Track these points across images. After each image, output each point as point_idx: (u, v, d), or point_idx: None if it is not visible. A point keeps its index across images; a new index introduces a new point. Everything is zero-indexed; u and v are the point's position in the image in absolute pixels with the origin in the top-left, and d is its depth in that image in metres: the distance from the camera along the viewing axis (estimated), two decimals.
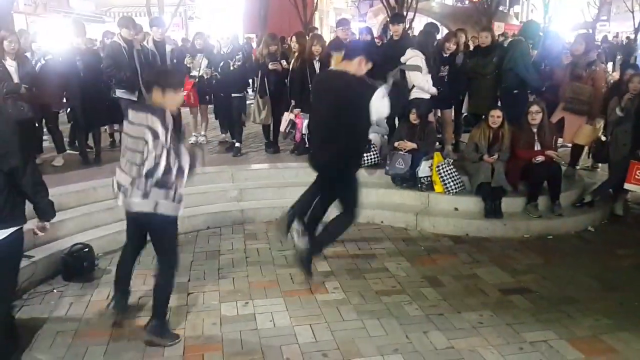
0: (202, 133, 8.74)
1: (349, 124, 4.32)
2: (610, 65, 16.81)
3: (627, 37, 24.37)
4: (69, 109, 7.79)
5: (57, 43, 7.78)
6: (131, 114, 3.60)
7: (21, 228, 3.40)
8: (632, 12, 26.01)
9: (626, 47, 20.84)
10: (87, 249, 5.02)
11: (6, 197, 3.25)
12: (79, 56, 7.08)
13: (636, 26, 25.25)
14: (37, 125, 7.03)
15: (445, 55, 7.24)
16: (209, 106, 8.75)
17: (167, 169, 3.52)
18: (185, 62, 8.31)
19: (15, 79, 6.19)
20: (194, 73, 8.28)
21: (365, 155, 6.55)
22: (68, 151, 7.58)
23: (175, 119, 6.67)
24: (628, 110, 6.22)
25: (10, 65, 6.21)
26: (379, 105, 4.24)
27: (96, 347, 3.85)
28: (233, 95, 7.74)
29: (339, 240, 5.74)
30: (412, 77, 6.51)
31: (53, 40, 8.21)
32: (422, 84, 6.54)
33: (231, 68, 7.59)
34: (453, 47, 7.24)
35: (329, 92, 4.49)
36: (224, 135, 8.76)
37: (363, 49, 4.74)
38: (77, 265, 4.92)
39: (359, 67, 4.41)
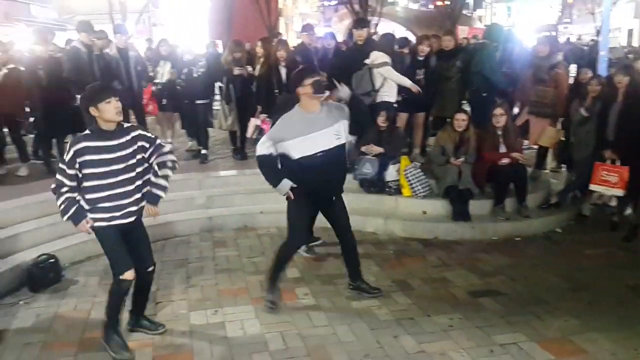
0: (169, 140, 8.64)
1: None
2: (574, 67, 17.18)
3: (592, 40, 24.97)
4: (32, 119, 7.62)
5: (19, 52, 7.59)
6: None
7: None
8: (593, 14, 26.75)
9: (593, 49, 21.26)
10: (53, 260, 4.93)
11: None
12: (40, 65, 6.91)
13: (597, 28, 25.97)
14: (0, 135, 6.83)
15: (420, 58, 7.28)
16: (174, 113, 8.66)
17: None
18: (149, 72, 8.22)
19: None
20: (158, 80, 8.18)
21: None
22: (32, 161, 7.40)
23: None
24: (591, 110, 6.34)
25: None
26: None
27: (64, 359, 3.78)
28: (198, 102, 7.69)
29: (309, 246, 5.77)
30: (386, 72, 6.53)
31: (14, 50, 7.99)
32: (397, 78, 6.56)
33: (195, 75, 7.53)
34: (426, 49, 7.27)
35: None
36: (190, 143, 8.67)
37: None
38: (43, 276, 4.84)
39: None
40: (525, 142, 7.35)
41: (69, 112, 7.07)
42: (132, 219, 3.77)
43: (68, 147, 3.57)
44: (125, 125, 3.75)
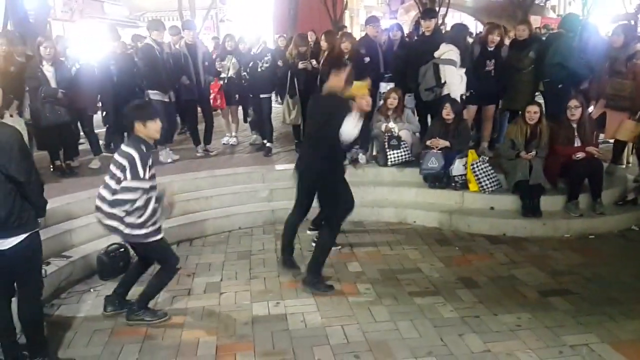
0: (234, 134, 8.79)
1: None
2: None
3: None
4: (104, 113, 7.94)
5: (91, 48, 7.92)
6: None
7: (33, 233, 3.40)
8: None
9: None
10: (122, 249, 5.06)
11: (12, 204, 3.24)
12: (113, 60, 7.23)
13: None
14: (74, 128, 7.15)
15: (490, 49, 7.02)
16: (239, 107, 8.80)
17: None
18: (216, 66, 8.38)
19: (53, 84, 6.35)
20: (224, 75, 8.33)
21: (392, 152, 6.62)
22: (104, 154, 7.71)
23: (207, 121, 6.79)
24: None
25: (48, 70, 6.38)
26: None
27: (131, 346, 3.89)
28: (262, 95, 7.76)
29: (370, 242, 5.71)
30: (446, 71, 6.39)
31: (87, 46, 8.34)
32: (453, 80, 6.40)
33: (259, 69, 7.60)
34: (497, 39, 6.97)
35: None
36: (254, 136, 8.78)
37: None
38: (114, 265, 5.00)
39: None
40: (602, 136, 6.98)
41: None
42: None
43: (142, 164, 3.77)
44: None
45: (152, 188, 3.90)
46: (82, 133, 7.63)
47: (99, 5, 25.17)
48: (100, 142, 7.80)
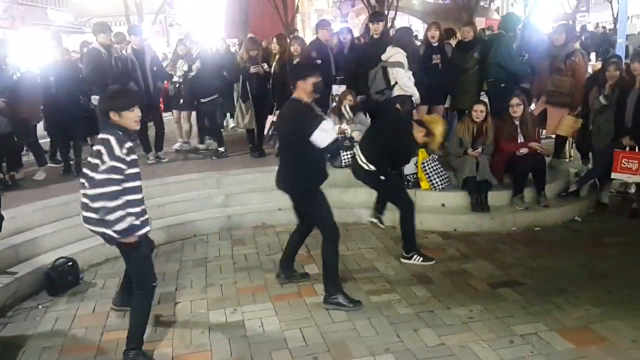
0: (186, 140, 8.70)
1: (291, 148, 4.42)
2: (593, 55, 16.89)
3: (603, 27, 24.52)
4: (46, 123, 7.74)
5: (33, 56, 7.69)
6: None
7: None
8: (610, 2, 26.18)
9: (604, 38, 20.95)
10: (70, 263, 4.96)
11: None
12: (53, 69, 6.99)
13: (615, 16, 25.46)
14: (16, 139, 6.91)
15: (434, 44, 7.18)
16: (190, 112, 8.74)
17: None
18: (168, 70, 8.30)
19: None
20: (175, 79, 8.24)
21: (346, 152, 6.63)
22: (49, 165, 7.50)
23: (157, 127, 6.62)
24: (610, 98, 6.24)
25: None
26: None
27: None
28: (202, 100, 7.85)
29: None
30: (396, 74, 6.49)
31: (29, 54, 8.10)
32: (405, 82, 6.51)
33: (192, 73, 7.81)
34: (436, 33, 7.13)
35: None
36: (209, 141, 8.71)
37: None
38: (62, 280, 4.87)
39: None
40: (543, 131, 7.23)
41: (85, 115, 7.21)
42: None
43: (119, 143, 3.42)
44: None
45: (134, 176, 3.53)
46: (25, 144, 7.40)
47: (42, 12, 24.47)
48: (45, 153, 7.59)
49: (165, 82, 8.37)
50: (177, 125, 8.78)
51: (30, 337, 4.17)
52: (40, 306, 4.66)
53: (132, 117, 3.53)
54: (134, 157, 3.50)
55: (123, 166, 3.43)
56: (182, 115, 8.68)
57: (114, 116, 3.50)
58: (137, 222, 3.54)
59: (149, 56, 7.65)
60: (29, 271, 4.91)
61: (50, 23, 22.92)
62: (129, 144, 3.47)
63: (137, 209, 3.54)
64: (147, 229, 3.65)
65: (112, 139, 3.43)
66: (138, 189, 3.57)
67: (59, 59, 7.12)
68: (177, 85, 8.28)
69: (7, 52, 7.37)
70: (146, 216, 3.65)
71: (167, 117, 8.68)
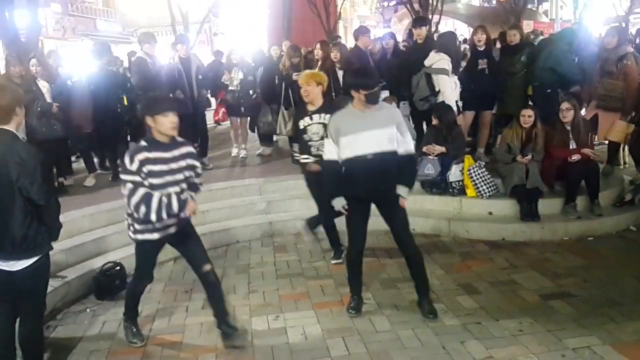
0: (243, 146, 8.68)
1: None
2: None
3: None
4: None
5: (83, 66, 7.92)
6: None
7: (44, 255, 3.38)
8: None
9: None
10: (118, 267, 5.04)
11: (29, 225, 3.22)
12: (94, 79, 7.14)
13: None
14: (68, 145, 7.13)
15: (480, 48, 7.05)
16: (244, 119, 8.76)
17: None
18: (222, 79, 8.34)
19: (48, 99, 6.35)
20: (232, 88, 8.26)
21: None
22: (99, 171, 7.69)
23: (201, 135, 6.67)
24: None
25: (43, 86, 6.39)
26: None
27: None
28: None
29: (369, 249, 5.67)
30: (439, 80, 6.39)
31: (79, 63, 8.35)
32: (447, 90, 6.40)
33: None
34: (482, 36, 7.01)
35: None
36: (262, 147, 8.74)
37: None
38: (109, 284, 4.96)
39: None
40: (596, 137, 6.98)
41: (121, 122, 7.37)
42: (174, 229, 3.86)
43: (130, 156, 3.57)
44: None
45: (152, 185, 3.58)
46: (77, 150, 7.62)
47: (91, 23, 25.29)
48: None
49: (221, 91, 8.40)
50: (236, 133, 8.72)
51: (79, 340, 4.25)
52: (88, 310, 4.76)
53: (165, 122, 3.58)
54: (151, 168, 3.57)
55: (135, 179, 3.55)
56: (241, 122, 8.66)
57: (149, 121, 3.60)
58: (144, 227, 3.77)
59: (194, 65, 7.77)
60: (77, 275, 5.01)
61: (99, 33, 23.67)
62: (142, 156, 3.55)
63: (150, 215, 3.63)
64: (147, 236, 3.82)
65: (127, 152, 3.65)
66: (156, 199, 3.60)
67: (98, 69, 7.23)
68: (236, 95, 8.26)
69: (59, 62, 7.64)
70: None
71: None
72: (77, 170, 7.66)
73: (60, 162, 6.87)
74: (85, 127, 7.36)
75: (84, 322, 4.53)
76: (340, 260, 5.30)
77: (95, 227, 5.75)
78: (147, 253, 3.93)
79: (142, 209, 3.53)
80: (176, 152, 3.70)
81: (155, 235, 3.78)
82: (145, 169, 3.55)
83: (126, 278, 5.11)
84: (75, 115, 6.86)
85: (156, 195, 3.55)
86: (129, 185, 3.55)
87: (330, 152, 4.17)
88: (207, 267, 3.95)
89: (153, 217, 3.55)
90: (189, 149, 3.83)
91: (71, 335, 4.33)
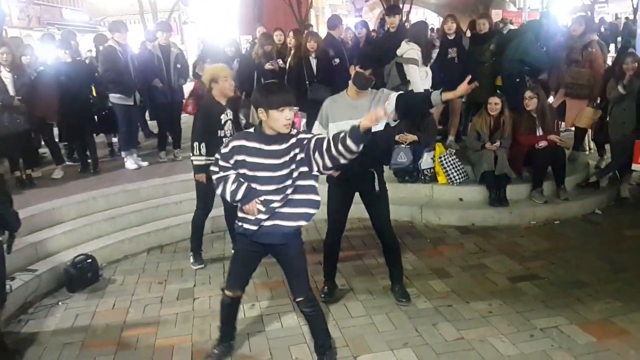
0: None
1: None
2: (612, 47, 16.64)
3: (626, 18, 24.08)
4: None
5: (49, 56, 7.74)
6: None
7: None
8: None
9: (625, 29, 20.59)
10: (90, 260, 4.98)
11: None
12: (62, 70, 6.98)
13: (635, 6, 25.00)
14: (33, 137, 6.96)
15: (450, 37, 7.12)
16: None
17: None
18: (196, 70, 8.22)
19: (11, 91, 6.16)
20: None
21: None
22: (67, 163, 7.56)
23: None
24: (631, 87, 6.13)
25: (6, 77, 6.18)
26: None
27: (104, 357, 3.82)
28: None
29: (344, 237, 5.72)
30: (409, 71, 6.44)
31: (45, 53, 8.15)
32: (416, 80, 6.45)
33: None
34: (452, 25, 7.08)
35: None
36: None
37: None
38: (81, 277, 4.89)
39: None
40: (562, 124, 7.14)
41: (103, 114, 7.27)
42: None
43: (228, 140, 3.28)
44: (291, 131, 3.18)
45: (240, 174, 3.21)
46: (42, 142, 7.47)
47: (57, 11, 24.69)
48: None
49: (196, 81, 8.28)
50: None
51: (51, 334, 4.19)
52: (60, 303, 4.69)
53: (280, 119, 3.05)
54: (238, 158, 3.18)
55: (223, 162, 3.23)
56: None
57: (261, 115, 3.10)
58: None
59: (174, 54, 7.66)
60: (48, 268, 4.94)
61: (66, 22, 23.10)
62: (237, 142, 3.17)
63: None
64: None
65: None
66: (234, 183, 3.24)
67: (69, 60, 7.08)
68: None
69: (24, 52, 7.45)
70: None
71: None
72: (44, 163, 7.52)
73: (26, 155, 6.71)
74: (51, 118, 7.22)
75: (56, 315, 4.47)
76: (202, 265, 5.30)
77: (65, 220, 5.66)
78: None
79: None
80: (283, 146, 3.17)
81: None
82: (237, 157, 3.20)
83: (98, 270, 5.08)
84: (40, 106, 6.69)
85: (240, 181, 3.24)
86: (216, 168, 3.29)
87: (319, 130, 4.10)
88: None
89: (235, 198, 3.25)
90: (295, 138, 3.18)
91: (43, 329, 4.26)
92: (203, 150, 4.77)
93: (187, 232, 6.00)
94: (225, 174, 3.23)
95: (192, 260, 5.30)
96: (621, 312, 3.98)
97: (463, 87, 3.82)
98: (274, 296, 4.59)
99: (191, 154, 4.89)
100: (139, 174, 7.13)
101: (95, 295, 4.79)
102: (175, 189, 6.62)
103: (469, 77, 3.84)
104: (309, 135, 3.15)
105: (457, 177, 6.32)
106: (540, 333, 3.77)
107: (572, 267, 4.80)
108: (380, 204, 4.23)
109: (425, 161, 6.42)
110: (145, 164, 7.53)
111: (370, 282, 4.74)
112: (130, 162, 7.40)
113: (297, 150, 3.11)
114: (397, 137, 6.45)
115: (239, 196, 3.18)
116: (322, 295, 4.42)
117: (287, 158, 3.11)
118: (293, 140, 3.12)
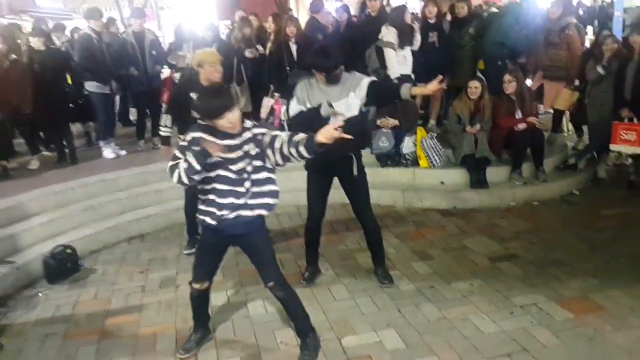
0: None
1: None
2: (590, 29, 16.76)
3: (603, 1, 24.26)
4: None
5: (21, 44, 7.53)
6: None
7: None
8: None
9: (602, 12, 20.76)
10: (69, 250, 4.93)
11: None
12: (36, 58, 6.81)
13: None
14: (7, 127, 6.80)
15: (430, 21, 7.12)
16: None
17: None
18: (168, 59, 8.10)
19: None
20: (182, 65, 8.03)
21: None
22: (43, 153, 7.43)
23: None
24: (610, 68, 6.20)
25: None
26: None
27: (87, 347, 3.79)
28: None
29: (327, 222, 5.73)
30: (385, 54, 6.43)
31: (18, 41, 7.94)
32: (392, 64, 6.44)
33: None
34: (433, 9, 7.09)
35: None
36: None
37: None
38: (61, 267, 4.84)
39: None
40: (541, 106, 7.20)
41: (79, 102, 7.15)
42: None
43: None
44: (245, 125, 3.18)
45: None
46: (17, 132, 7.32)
47: None
48: None
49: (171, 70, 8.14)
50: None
51: (32, 325, 4.15)
52: (40, 294, 4.63)
53: (223, 124, 3.06)
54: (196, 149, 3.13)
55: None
56: None
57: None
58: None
59: (148, 40, 7.52)
60: (27, 260, 4.87)
61: (39, 10, 22.56)
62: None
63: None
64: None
65: None
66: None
67: (42, 48, 6.90)
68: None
69: None
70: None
71: None
72: (21, 153, 7.37)
73: (0, 145, 6.56)
74: (24, 107, 7.04)
75: (37, 307, 4.42)
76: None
77: (43, 211, 5.57)
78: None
79: None
80: (237, 140, 3.17)
81: None
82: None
83: (78, 260, 5.03)
84: (13, 95, 6.53)
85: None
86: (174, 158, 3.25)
87: (298, 107, 4.02)
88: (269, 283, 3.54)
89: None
90: (252, 132, 3.19)
91: (24, 321, 4.22)
92: (168, 123, 4.77)
93: (168, 220, 6.02)
94: (176, 162, 3.20)
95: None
96: (598, 288, 4.07)
97: (433, 86, 3.84)
98: (258, 281, 4.49)
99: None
100: (118, 163, 7.03)
101: (76, 286, 4.75)
102: (154, 177, 6.52)
103: (439, 77, 3.83)
104: (263, 131, 3.18)
105: (438, 161, 6.37)
106: (519, 310, 3.83)
107: (551, 247, 4.88)
108: (359, 188, 4.24)
109: (407, 145, 6.45)
110: (123, 152, 7.43)
111: (353, 265, 4.76)
112: (108, 151, 7.30)
113: (251, 145, 3.14)
114: (378, 122, 6.47)
115: (196, 165, 3.09)
116: (302, 282, 4.43)
117: (241, 152, 3.13)
118: (248, 134, 3.15)
